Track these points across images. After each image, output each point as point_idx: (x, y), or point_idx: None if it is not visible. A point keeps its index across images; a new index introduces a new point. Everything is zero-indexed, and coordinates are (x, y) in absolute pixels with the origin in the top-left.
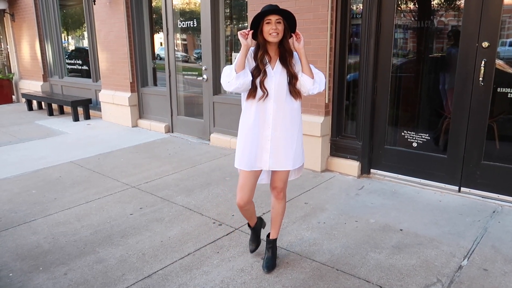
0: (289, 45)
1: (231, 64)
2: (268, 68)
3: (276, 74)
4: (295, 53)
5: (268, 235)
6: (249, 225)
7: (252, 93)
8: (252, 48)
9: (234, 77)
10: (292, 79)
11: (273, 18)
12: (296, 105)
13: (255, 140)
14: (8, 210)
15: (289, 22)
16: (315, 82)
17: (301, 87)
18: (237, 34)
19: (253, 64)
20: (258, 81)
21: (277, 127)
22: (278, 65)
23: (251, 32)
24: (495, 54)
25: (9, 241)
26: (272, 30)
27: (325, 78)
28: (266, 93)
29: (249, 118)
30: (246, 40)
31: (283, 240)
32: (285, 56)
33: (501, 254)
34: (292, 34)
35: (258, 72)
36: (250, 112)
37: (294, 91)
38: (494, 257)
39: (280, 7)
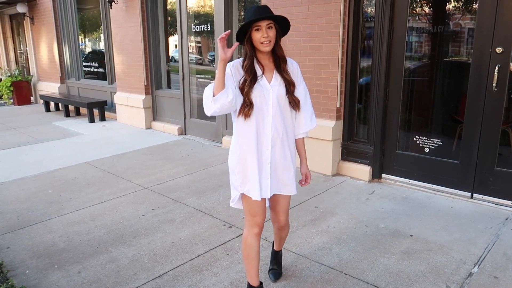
0: (282, 50)
1: None
2: (263, 81)
3: (274, 87)
4: (290, 60)
5: (272, 245)
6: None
7: (244, 109)
8: (241, 59)
9: (212, 100)
10: (290, 86)
11: (263, 23)
12: (293, 116)
13: (255, 164)
14: (25, 209)
15: (280, 24)
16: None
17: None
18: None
19: (242, 76)
20: (253, 95)
21: (276, 147)
22: (276, 76)
23: (227, 33)
24: (509, 60)
25: (26, 239)
26: (264, 38)
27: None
28: (251, 105)
29: (248, 137)
30: (224, 53)
31: (292, 243)
32: (279, 63)
33: None
34: None
35: (249, 85)
36: (249, 130)
37: (293, 100)
38: (506, 264)
39: (292, 12)
